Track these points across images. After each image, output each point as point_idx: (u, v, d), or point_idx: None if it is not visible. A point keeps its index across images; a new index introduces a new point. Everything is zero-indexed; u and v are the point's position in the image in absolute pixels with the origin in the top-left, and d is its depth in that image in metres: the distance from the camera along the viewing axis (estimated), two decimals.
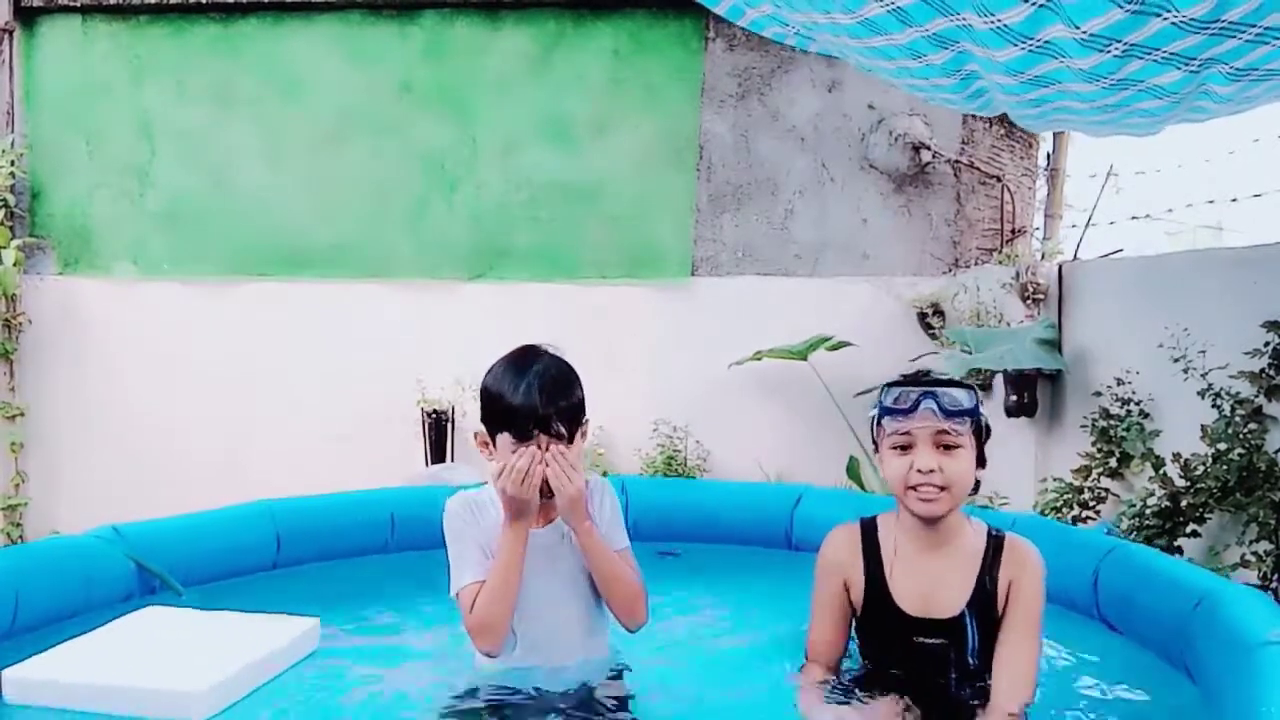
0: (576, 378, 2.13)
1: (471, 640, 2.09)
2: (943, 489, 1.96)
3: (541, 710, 2.04)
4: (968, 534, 2.05)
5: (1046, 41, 2.34)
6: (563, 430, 2.05)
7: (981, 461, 2.03)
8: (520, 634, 2.12)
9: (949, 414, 1.95)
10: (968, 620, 2.00)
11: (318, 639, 2.35)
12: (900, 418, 1.98)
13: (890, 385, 2.02)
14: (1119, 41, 2.24)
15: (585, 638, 2.19)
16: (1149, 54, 2.30)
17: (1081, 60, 2.39)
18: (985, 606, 2.00)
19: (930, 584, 2.04)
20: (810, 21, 2.82)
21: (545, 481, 2.03)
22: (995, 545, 2.04)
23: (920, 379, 2.01)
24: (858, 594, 2.09)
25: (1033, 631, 1.99)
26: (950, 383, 2.00)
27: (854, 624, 2.15)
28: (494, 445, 2.10)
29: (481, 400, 2.13)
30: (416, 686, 2.17)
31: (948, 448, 1.97)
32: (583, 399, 2.12)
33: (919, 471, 1.96)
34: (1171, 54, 2.28)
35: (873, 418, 2.06)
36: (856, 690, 2.08)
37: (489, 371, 2.13)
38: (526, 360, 2.10)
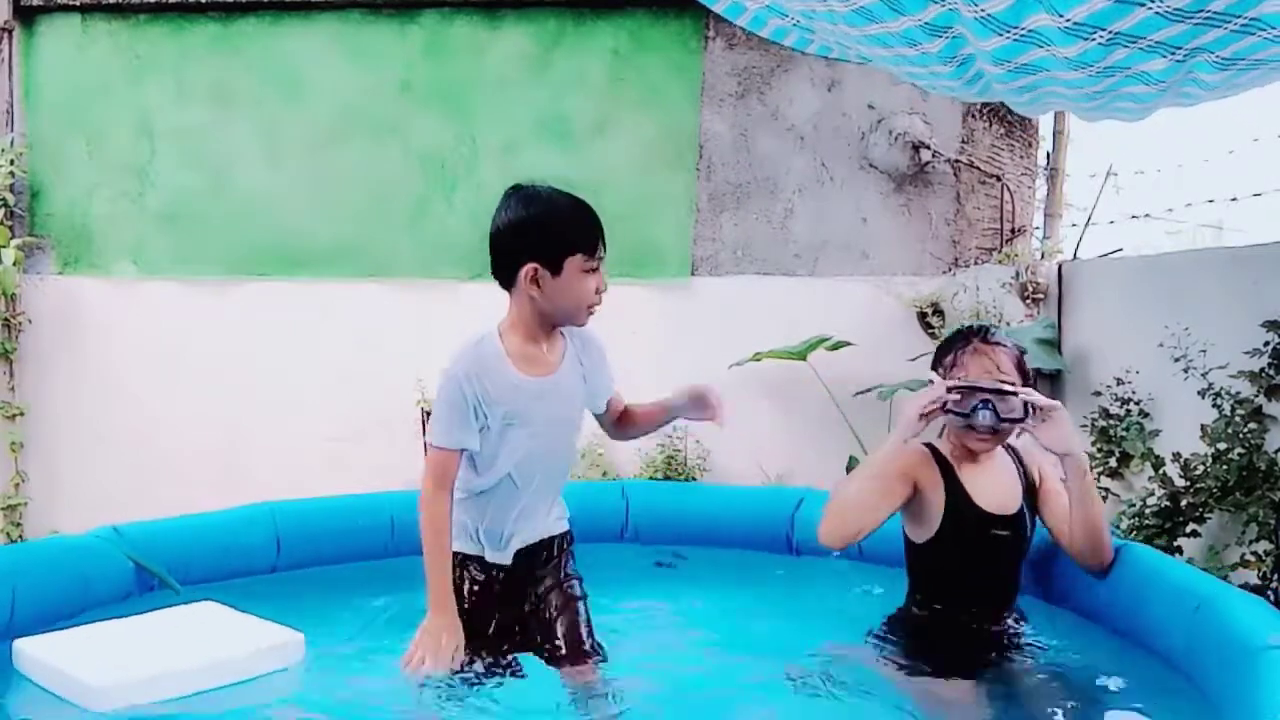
0: None
1: (420, 498, 2.22)
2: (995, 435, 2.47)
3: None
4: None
5: (1031, 30, 2.34)
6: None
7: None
8: (526, 473, 2.27)
9: (1003, 419, 2.39)
10: (1025, 510, 2.51)
11: (300, 654, 2.33)
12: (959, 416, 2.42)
13: (959, 387, 2.41)
14: (1103, 30, 2.25)
15: (554, 503, 2.41)
16: (1134, 42, 2.30)
17: (1066, 49, 2.39)
18: (1030, 494, 2.55)
19: (994, 486, 2.49)
20: (808, 9, 2.82)
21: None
22: (1011, 447, 2.59)
23: (978, 388, 2.40)
24: (938, 501, 2.46)
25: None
26: (1001, 390, 2.39)
27: (917, 551, 2.52)
28: (559, 272, 2.20)
29: (531, 233, 2.21)
30: (416, 688, 2.17)
31: None
32: None
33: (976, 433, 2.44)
34: (1157, 42, 2.29)
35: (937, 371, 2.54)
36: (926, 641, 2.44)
37: (526, 203, 2.23)
38: (554, 190, 2.28)
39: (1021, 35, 2.37)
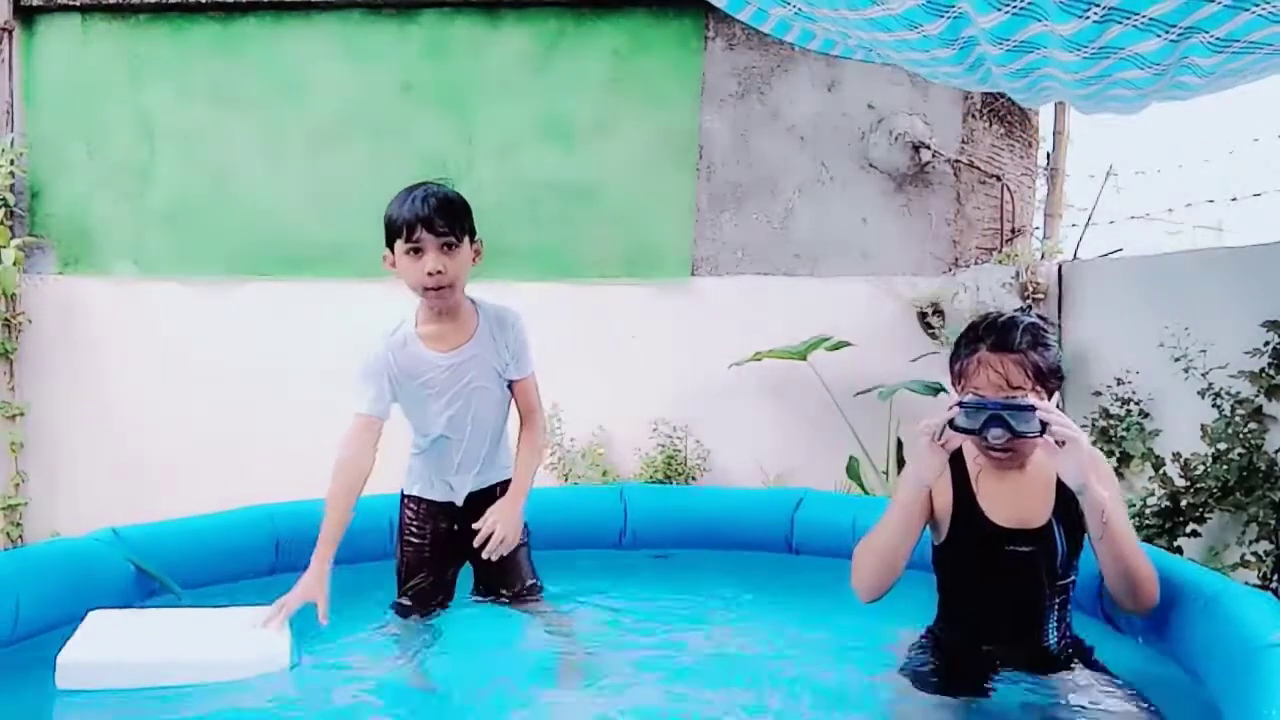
0: (460, 196, 2.58)
1: (335, 455, 2.52)
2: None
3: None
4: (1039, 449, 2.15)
5: (1030, 3, 2.34)
6: (445, 227, 2.46)
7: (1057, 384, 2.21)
8: (457, 431, 2.60)
9: (1017, 435, 2.08)
10: (1055, 528, 2.16)
11: (284, 662, 2.32)
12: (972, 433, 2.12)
13: (961, 405, 2.12)
14: (1097, 6, 2.24)
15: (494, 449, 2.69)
16: (1128, 19, 2.29)
17: (1062, 26, 2.39)
18: (1068, 513, 2.15)
19: (1016, 497, 2.18)
20: None
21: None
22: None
23: (984, 405, 2.10)
24: (944, 505, 2.22)
25: (1117, 502, 2.14)
26: (1014, 406, 2.08)
27: (935, 555, 2.28)
28: (394, 258, 2.52)
29: (385, 226, 2.51)
30: (415, 688, 2.17)
31: None
32: (466, 209, 2.56)
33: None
34: (1151, 19, 2.28)
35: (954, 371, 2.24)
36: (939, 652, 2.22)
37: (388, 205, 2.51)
38: (415, 185, 2.53)
39: (1020, 9, 2.37)
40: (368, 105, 5.27)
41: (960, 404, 2.11)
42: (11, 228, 5.13)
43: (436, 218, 2.44)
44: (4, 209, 5.12)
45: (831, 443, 4.83)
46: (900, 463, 4.67)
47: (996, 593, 2.18)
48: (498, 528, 2.48)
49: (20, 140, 5.26)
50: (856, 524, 3.25)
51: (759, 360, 4.87)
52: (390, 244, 2.50)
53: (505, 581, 2.67)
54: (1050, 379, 2.16)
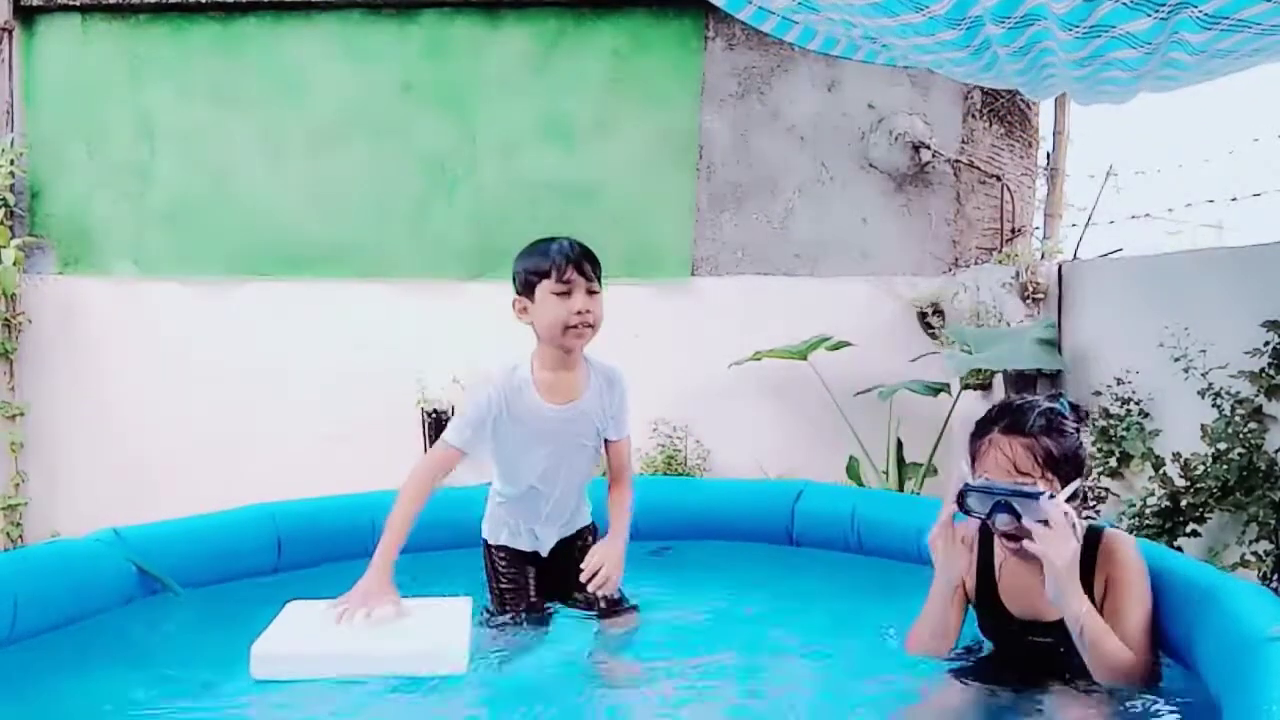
0: None
1: (413, 468, 2.53)
2: None
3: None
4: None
5: None
6: (592, 273, 2.50)
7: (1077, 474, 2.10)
8: (549, 484, 2.60)
9: (1024, 523, 2.01)
10: None
11: (461, 665, 2.30)
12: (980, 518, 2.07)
13: (967, 487, 2.07)
14: None
15: (580, 501, 2.71)
16: None
17: (1056, 4, 2.39)
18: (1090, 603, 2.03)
19: (1033, 587, 2.08)
20: None
21: None
22: (1090, 545, 2.08)
23: (994, 488, 2.04)
24: (971, 585, 2.21)
25: (1132, 604, 2.05)
26: (1023, 493, 2.01)
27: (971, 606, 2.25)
28: (533, 298, 2.50)
29: (519, 274, 2.53)
30: (415, 688, 2.17)
31: None
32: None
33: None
34: None
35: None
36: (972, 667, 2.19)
37: (518, 257, 2.56)
38: (549, 237, 2.57)
39: None
40: (368, 105, 5.28)
41: (966, 486, 2.07)
42: (11, 228, 5.13)
43: (584, 261, 2.51)
44: (4, 209, 5.12)
45: (831, 442, 4.83)
46: (900, 462, 4.68)
47: (1025, 668, 2.14)
48: (604, 566, 2.51)
49: (20, 140, 5.26)
50: (856, 515, 3.26)
51: (759, 360, 4.87)
52: (528, 289, 2.51)
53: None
54: (1063, 466, 2.06)
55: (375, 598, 2.38)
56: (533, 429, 2.54)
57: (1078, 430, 2.12)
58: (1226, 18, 2.32)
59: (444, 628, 2.38)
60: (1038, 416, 2.08)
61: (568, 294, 2.47)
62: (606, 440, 2.67)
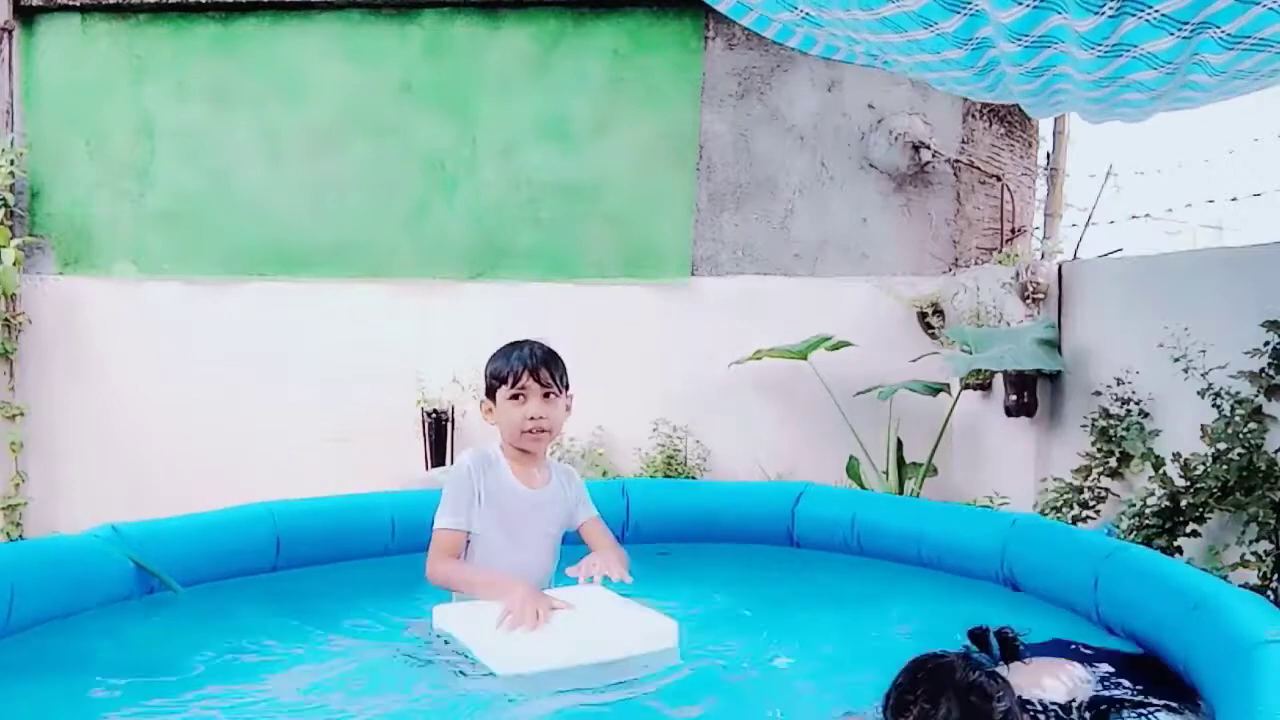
0: (558, 353, 2.65)
1: (426, 572, 2.54)
2: None
3: None
4: None
5: None
6: (550, 379, 2.56)
7: None
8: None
9: None
10: None
11: (673, 639, 2.33)
12: None
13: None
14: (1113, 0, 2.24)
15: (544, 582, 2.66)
16: (1141, 11, 2.29)
17: (1080, 22, 2.38)
18: None
19: None
20: None
21: None
22: None
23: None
24: None
25: None
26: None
27: None
28: (495, 401, 2.60)
29: (485, 377, 2.63)
30: (414, 688, 2.17)
31: None
32: (565, 368, 2.62)
33: None
34: (1164, 15, 2.28)
35: None
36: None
37: (488, 360, 2.63)
38: (518, 341, 2.65)
39: (1039, 3, 2.36)
40: (367, 105, 5.28)
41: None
42: (11, 228, 5.13)
43: (541, 368, 2.58)
44: (4, 209, 5.12)
45: (831, 442, 4.83)
46: (900, 463, 4.68)
47: None
48: (599, 564, 2.50)
49: (20, 140, 5.27)
50: (856, 518, 3.26)
51: (759, 359, 4.87)
52: (492, 393, 2.62)
53: None
54: None
55: (536, 600, 2.36)
56: (506, 507, 2.58)
57: (1002, 696, 1.72)
58: (1248, 37, 2.31)
59: (634, 609, 2.41)
60: (953, 706, 1.69)
61: (523, 400, 2.57)
62: (581, 525, 2.73)
